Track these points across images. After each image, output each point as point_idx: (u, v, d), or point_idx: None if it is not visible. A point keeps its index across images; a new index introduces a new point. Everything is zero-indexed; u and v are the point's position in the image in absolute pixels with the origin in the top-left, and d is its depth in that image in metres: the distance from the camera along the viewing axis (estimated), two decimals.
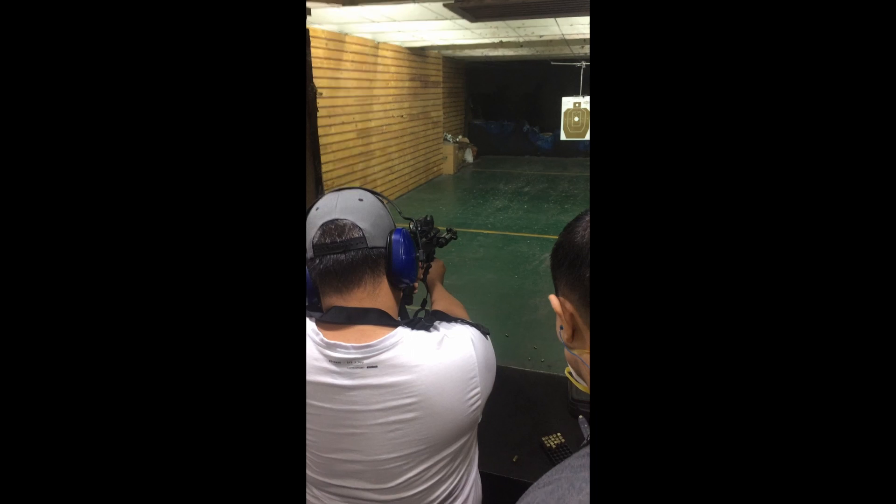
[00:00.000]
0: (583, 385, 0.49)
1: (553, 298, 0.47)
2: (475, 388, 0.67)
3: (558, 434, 1.17)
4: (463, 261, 4.13)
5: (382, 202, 0.73)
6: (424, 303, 0.93)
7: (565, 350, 0.48)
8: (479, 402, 0.68)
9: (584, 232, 0.44)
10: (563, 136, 6.77)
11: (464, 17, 2.28)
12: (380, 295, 0.67)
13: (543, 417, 1.26)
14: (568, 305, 0.45)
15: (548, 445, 1.13)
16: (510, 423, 1.24)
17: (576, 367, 0.48)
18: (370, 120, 5.63)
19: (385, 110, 5.97)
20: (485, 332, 0.73)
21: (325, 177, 4.64)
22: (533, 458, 1.12)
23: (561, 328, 0.47)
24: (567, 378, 0.51)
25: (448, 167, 8.08)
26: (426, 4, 3.16)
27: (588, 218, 0.45)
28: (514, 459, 1.11)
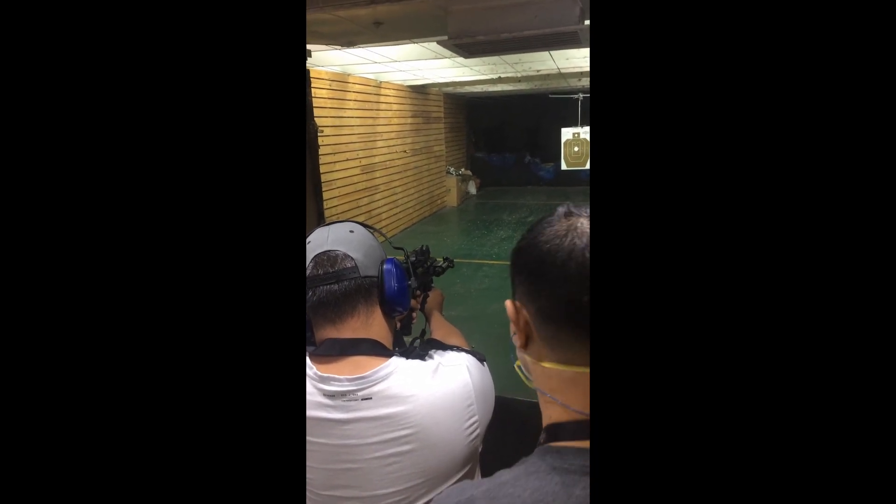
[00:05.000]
0: (530, 383, 0.48)
1: (509, 305, 0.44)
2: (473, 416, 0.65)
3: None
4: (468, 291, 4.11)
5: (373, 234, 0.74)
6: (423, 333, 0.92)
7: (518, 349, 0.47)
8: (478, 430, 0.67)
9: (550, 242, 0.40)
10: (563, 166, 6.85)
11: (459, 53, 2.37)
12: (373, 324, 0.67)
13: None
14: (523, 315, 0.43)
15: None
16: (518, 456, 1.21)
17: (526, 367, 0.47)
18: (374, 156, 5.74)
19: (388, 146, 6.09)
20: (481, 359, 0.73)
21: (330, 212, 4.70)
22: None
23: (514, 333, 0.45)
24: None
25: (452, 199, 8.16)
26: (424, 44, 3.27)
27: (555, 227, 0.42)
28: None
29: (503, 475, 0.41)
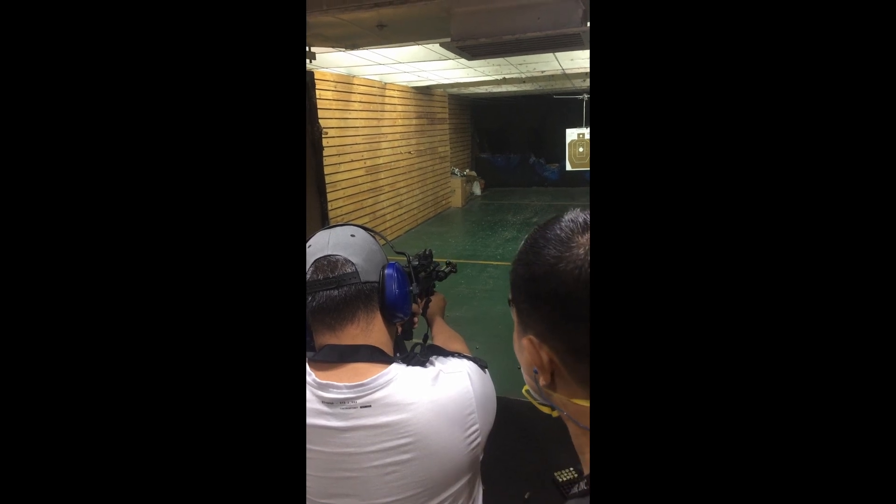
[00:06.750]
0: (546, 408, 0.42)
1: (527, 344, 0.38)
2: (473, 424, 0.65)
3: (571, 469, 1.13)
4: (473, 293, 4.11)
5: (375, 238, 0.73)
6: (426, 338, 0.92)
7: (529, 379, 0.42)
8: (479, 439, 0.66)
9: (578, 269, 0.34)
10: (568, 167, 6.83)
11: (461, 55, 2.37)
12: (373, 331, 0.67)
13: (555, 451, 1.23)
14: (545, 352, 0.38)
15: (560, 480, 1.09)
16: (520, 459, 1.20)
17: (546, 399, 0.43)
18: (378, 157, 5.75)
19: (393, 147, 6.10)
20: (482, 366, 0.72)
21: (335, 213, 4.71)
22: (545, 493, 1.08)
23: (535, 371, 0.39)
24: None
25: (456, 200, 8.15)
26: (429, 46, 3.27)
27: (575, 250, 0.36)
28: (526, 496, 1.08)
29: None
